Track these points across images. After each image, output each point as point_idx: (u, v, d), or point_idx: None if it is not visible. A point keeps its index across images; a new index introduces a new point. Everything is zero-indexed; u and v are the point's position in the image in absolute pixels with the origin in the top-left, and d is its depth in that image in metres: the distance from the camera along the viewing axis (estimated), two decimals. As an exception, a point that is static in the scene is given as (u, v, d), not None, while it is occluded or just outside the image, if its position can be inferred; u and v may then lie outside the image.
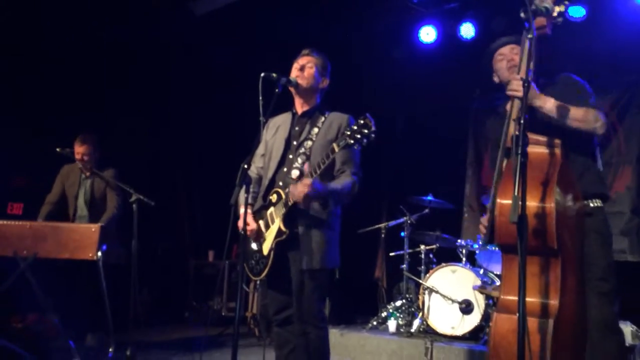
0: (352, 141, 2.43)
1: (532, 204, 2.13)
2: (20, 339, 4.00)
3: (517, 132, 1.92)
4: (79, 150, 4.55)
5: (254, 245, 2.89)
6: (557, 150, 2.22)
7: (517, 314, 1.90)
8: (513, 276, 2.16)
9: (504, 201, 2.17)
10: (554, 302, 2.11)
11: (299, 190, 2.56)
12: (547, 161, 2.21)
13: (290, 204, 2.66)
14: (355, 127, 2.43)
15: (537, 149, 2.23)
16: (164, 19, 5.88)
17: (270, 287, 2.90)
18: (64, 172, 4.73)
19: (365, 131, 2.40)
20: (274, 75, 2.69)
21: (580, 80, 2.48)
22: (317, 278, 2.71)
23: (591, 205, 2.37)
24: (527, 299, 2.02)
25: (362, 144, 2.44)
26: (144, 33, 5.84)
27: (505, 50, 2.55)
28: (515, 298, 2.02)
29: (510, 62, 2.49)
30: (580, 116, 2.27)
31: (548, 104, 2.28)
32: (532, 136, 2.19)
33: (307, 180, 2.56)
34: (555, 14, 2.15)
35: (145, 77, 6.15)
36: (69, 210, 4.64)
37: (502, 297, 2.23)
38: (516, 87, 2.23)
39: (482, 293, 4.37)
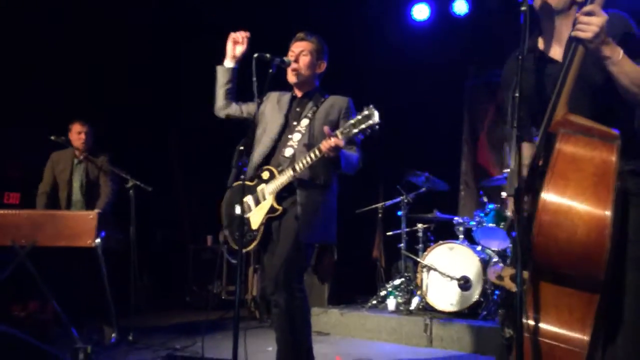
0: (355, 130, 2.45)
1: (587, 227, 1.67)
2: (22, 327, 4.02)
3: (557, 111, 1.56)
4: (82, 129, 4.53)
5: (237, 213, 2.85)
6: (616, 146, 1.72)
7: (547, 340, 1.69)
8: (548, 301, 1.80)
9: (555, 200, 1.69)
10: (584, 340, 1.76)
11: (333, 141, 2.51)
12: (604, 162, 1.71)
13: (284, 180, 2.69)
14: (360, 117, 2.43)
15: (594, 145, 1.74)
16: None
17: (268, 267, 2.90)
18: (54, 159, 4.69)
19: (370, 122, 2.41)
20: (268, 55, 2.67)
21: (635, 26, 1.88)
22: (299, 251, 2.72)
23: (625, 167, 1.85)
24: (555, 328, 1.78)
25: (366, 134, 2.46)
26: (138, 14, 5.78)
27: None
28: (548, 327, 1.77)
29: None
30: None
31: (615, 54, 1.74)
32: (585, 122, 1.79)
33: (339, 140, 2.51)
34: None
35: (141, 61, 6.10)
36: (59, 195, 4.62)
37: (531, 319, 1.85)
38: (586, 24, 1.70)
39: (499, 284, 4.35)
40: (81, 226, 3.70)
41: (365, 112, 2.43)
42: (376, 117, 2.40)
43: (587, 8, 1.72)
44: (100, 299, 3.96)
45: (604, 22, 1.70)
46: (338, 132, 2.50)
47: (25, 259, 3.63)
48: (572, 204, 1.69)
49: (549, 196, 1.71)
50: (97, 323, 4.22)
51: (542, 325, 1.79)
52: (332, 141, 2.48)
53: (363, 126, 2.42)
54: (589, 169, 1.71)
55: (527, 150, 2.07)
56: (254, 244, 2.81)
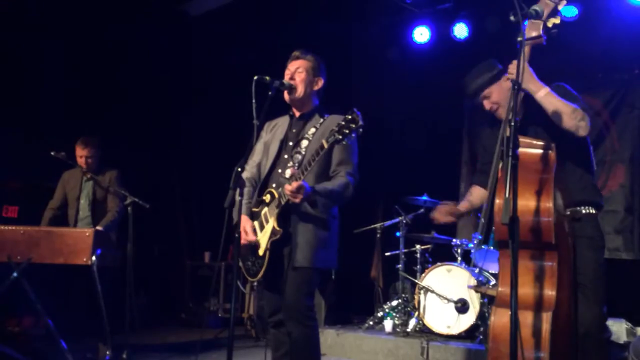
0: (340, 136, 2.45)
1: (530, 202, 2.21)
2: (16, 343, 3.99)
3: (507, 134, 1.95)
4: (82, 153, 4.53)
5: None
6: (552, 153, 2.28)
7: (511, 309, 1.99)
8: (508, 270, 2.20)
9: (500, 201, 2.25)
10: (550, 294, 2.20)
11: (288, 190, 2.57)
12: (543, 162, 2.27)
13: (283, 202, 2.67)
14: (343, 123, 2.45)
15: (533, 150, 2.30)
16: (159, 20, 5.87)
17: (267, 288, 2.89)
18: (65, 178, 4.72)
19: (353, 125, 2.42)
20: (267, 78, 2.68)
21: (573, 91, 2.52)
22: (305, 275, 2.70)
23: (583, 211, 2.42)
24: (524, 291, 2.18)
25: (350, 138, 2.47)
26: (139, 34, 5.84)
27: (487, 92, 2.64)
28: (522, 290, 2.11)
29: (495, 105, 2.62)
30: (568, 111, 2.31)
31: (541, 91, 2.32)
32: (526, 139, 2.29)
33: (296, 182, 2.56)
34: (550, 24, 2.22)
35: (141, 79, 6.14)
36: (68, 212, 4.63)
37: (500, 289, 2.33)
38: (512, 69, 2.31)
39: (477, 292, 4.38)
40: (77, 244, 3.68)
41: (349, 117, 2.44)
42: (359, 120, 2.42)
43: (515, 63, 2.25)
44: (95, 317, 3.93)
45: (525, 66, 2.25)
46: (323, 141, 2.51)
47: (20, 275, 3.61)
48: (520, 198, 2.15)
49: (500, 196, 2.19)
50: (92, 341, 4.19)
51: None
52: (292, 186, 2.52)
53: (346, 131, 2.43)
54: (536, 167, 2.25)
55: (480, 193, 2.80)
56: (261, 272, 2.77)
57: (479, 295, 4.46)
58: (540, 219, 2.20)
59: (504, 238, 2.18)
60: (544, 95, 2.33)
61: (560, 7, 2.24)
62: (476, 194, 2.86)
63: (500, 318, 2.25)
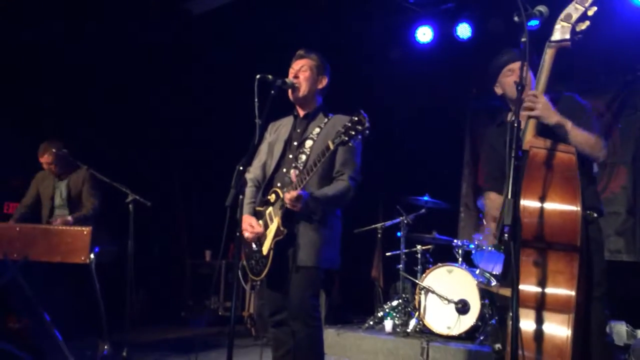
0: (346, 138, 2.44)
1: (557, 203, 2.21)
2: (16, 340, 3.99)
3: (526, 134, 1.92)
4: (41, 160, 4.48)
5: (253, 246, 2.87)
6: (574, 157, 2.28)
7: (534, 308, 2.03)
8: (531, 269, 2.22)
9: (528, 203, 2.24)
10: (572, 296, 2.18)
11: (287, 199, 2.59)
12: (568, 164, 2.26)
13: (285, 206, 2.67)
14: (349, 124, 2.44)
15: (565, 154, 2.28)
16: (161, 18, 5.87)
17: (269, 287, 2.88)
18: (39, 177, 4.68)
19: (359, 127, 2.41)
20: (270, 76, 2.68)
21: (583, 102, 2.51)
22: (310, 275, 2.70)
23: (594, 214, 2.42)
24: (547, 291, 2.20)
25: (356, 140, 2.46)
26: (140, 32, 5.83)
27: (516, 66, 2.48)
28: (532, 289, 2.17)
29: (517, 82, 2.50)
30: (592, 143, 2.33)
31: (567, 125, 2.30)
32: (549, 141, 2.29)
33: (294, 192, 2.57)
34: (578, 29, 2.22)
35: (142, 76, 6.13)
36: (42, 212, 4.58)
37: (521, 288, 2.22)
38: (530, 105, 2.25)
39: (486, 289, 4.36)
40: (75, 242, 3.65)
41: (355, 118, 2.43)
42: (366, 122, 2.41)
43: (531, 92, 2.25)
44: (94, 314, 3.93)
45: (544, 102, 2.22)
46: (329, 142, 2.51)
47: (17, 273, 3.60)
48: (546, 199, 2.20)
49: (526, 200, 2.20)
50: (91, 338, 4.19)
51: (536, 289, 2.18)
52: (291, 194, 2.53)
53: (353, 132, 2.42)
54: (568, 169, 2.23)
55: (498, 199, 2.59)
56: (265, 271, 2.76)
57: (479, 296, 4.45)
58: (567, 221, 2.18)
59: (527, 237, 2.21)
60: (570, 130, 2.31)
61: (590, 13, 2.21)
62: (497, 203, 2.72)
63: (525, 318, 2.22)
